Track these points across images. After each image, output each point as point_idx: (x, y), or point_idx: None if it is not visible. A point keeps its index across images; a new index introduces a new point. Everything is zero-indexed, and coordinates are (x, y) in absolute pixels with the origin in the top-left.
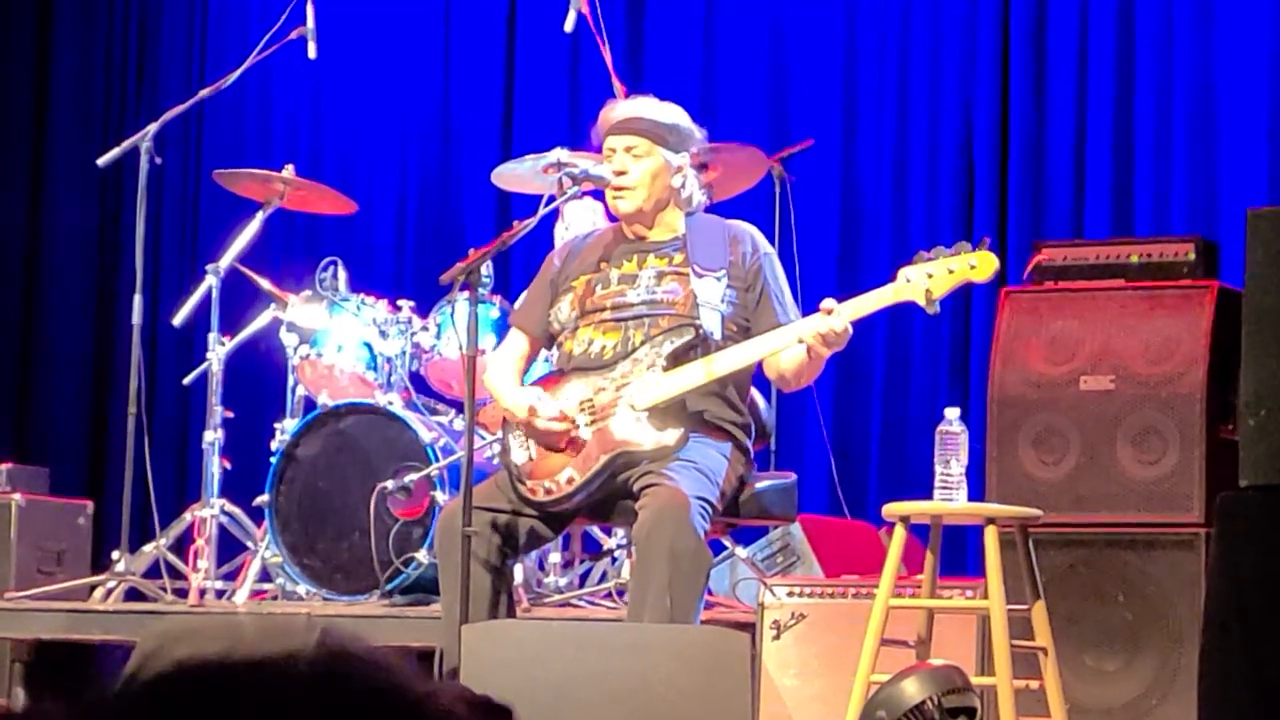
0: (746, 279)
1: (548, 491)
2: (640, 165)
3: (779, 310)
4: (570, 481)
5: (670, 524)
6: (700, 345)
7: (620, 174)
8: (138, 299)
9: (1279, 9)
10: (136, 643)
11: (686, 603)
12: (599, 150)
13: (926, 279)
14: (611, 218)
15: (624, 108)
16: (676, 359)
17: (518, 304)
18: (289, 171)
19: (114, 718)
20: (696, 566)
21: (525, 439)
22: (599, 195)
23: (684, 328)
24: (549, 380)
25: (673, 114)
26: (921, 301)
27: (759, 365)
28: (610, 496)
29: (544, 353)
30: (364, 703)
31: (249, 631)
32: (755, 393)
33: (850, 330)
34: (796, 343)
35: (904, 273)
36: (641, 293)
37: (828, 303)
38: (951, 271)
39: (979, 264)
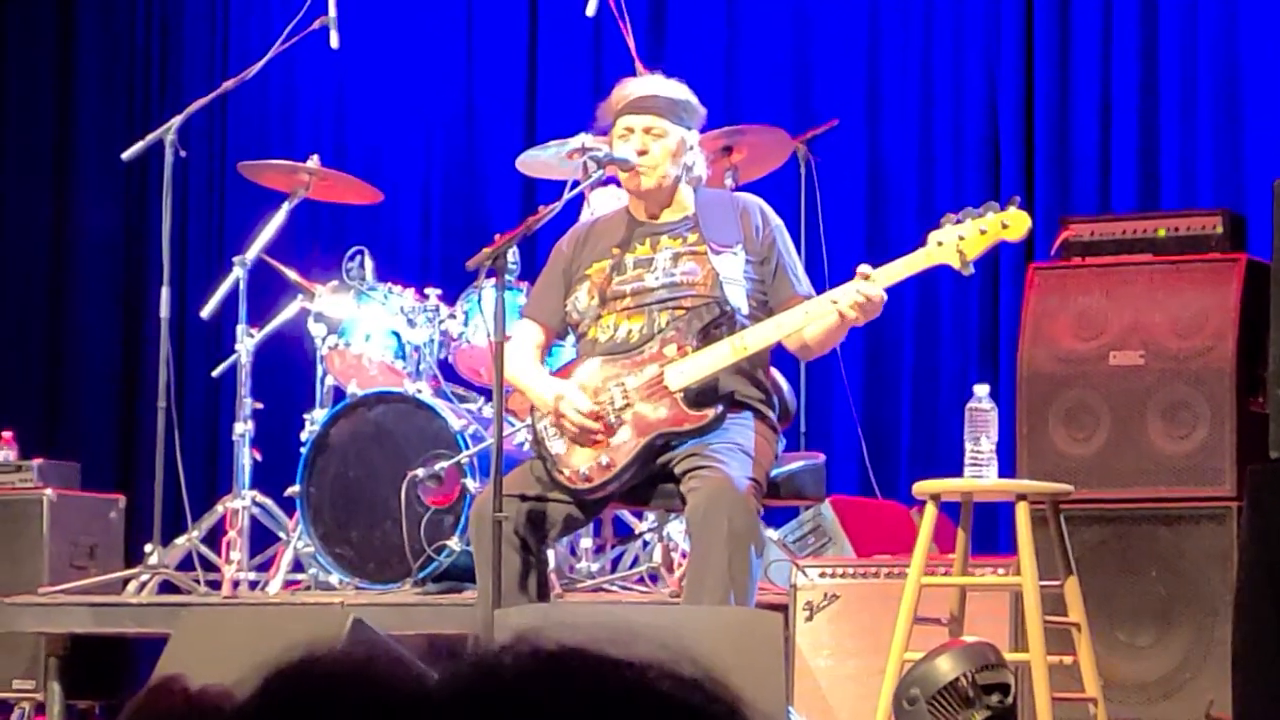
0: (761, 252)
1: (586, 479)
2: (660, 144)
3: (794, 281)
4: (609, 467)
5: (726, 505)
6: (726, 323)
7: (642, 154)
8: (165, 292)
9: None
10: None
11: (745, 583)
12: (607, 130)
13: (958, 241)
14: None
15: (637, 85)
16: (705, 338)
17: (530, 295)
18: (314, 162)
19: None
20: (754, 545)
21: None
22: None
23: (709, 306)
24: (575, 366)
25: (683, 91)
26: (956, 264)
27: (778, 342)
28: (649, 480)
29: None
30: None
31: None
32: (777, 374)
33: (885, 297)
34: (833, 313)
35: (934, 236)
36: (660, 276)
37: (864, 268)
38: (983, 232)
39: (1011, 223)
